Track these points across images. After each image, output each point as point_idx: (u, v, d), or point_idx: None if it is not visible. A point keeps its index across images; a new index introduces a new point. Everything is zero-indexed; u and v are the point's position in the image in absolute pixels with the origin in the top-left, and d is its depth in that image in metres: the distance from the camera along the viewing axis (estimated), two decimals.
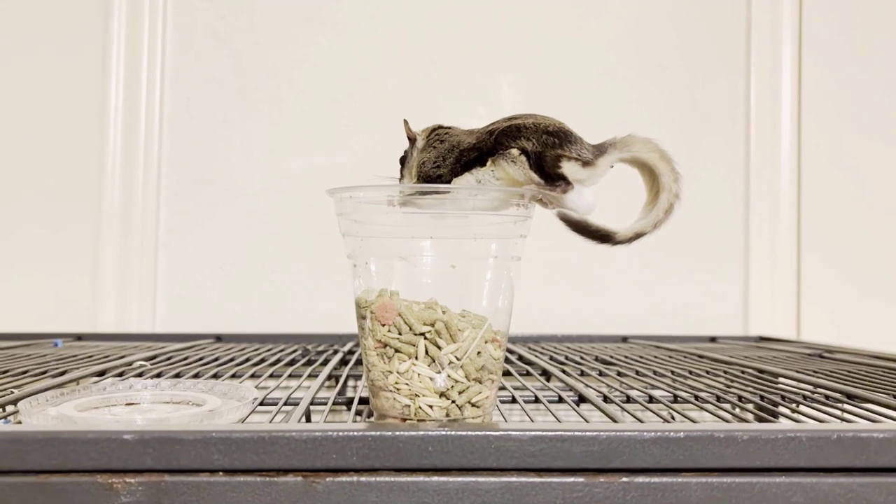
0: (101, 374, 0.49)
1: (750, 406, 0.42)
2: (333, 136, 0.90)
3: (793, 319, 0.91)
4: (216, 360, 0.58)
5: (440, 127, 0.39)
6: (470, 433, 0.29)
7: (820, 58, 0.92)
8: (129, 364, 0.53)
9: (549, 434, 0.29)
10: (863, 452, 0.29)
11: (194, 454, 0.28)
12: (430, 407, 0.33)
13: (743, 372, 0.53)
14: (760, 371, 0.53)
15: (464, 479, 0.28)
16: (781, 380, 0.51)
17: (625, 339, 0.83)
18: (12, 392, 0.40)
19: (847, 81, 0.93)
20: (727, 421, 0.38)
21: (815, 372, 0.53)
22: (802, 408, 0.42)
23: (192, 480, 0.28)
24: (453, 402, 0.33)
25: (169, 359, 0.58)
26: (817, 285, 0.91)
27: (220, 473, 0.28)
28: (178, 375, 0.49)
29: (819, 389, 0.45)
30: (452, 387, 0.33)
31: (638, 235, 0.37)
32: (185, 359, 0.58)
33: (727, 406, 0.42)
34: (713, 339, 0.84)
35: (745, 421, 0.39)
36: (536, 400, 0.43)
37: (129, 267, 0.86)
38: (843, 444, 0.29)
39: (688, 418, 0.37)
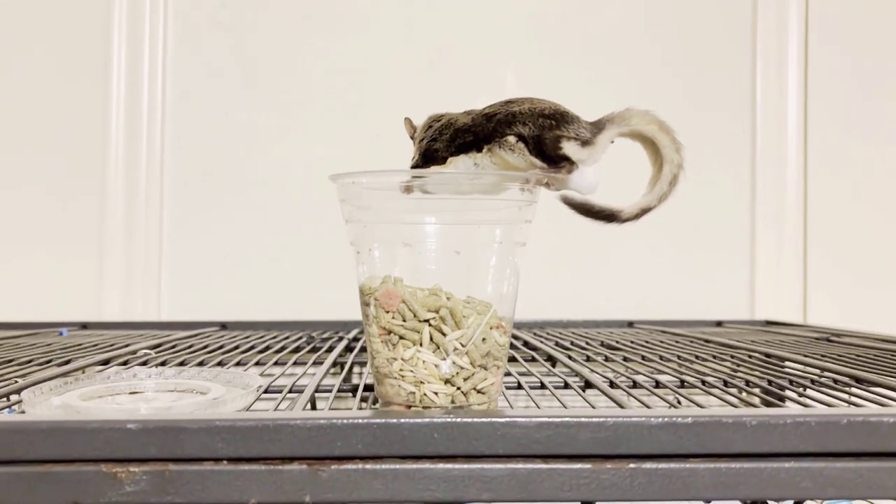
0: (105, 362, 0.49)
1: (757, 390, 0.42)
2: (337, 126, 0.89)
3: (799, 304, 0.91)
4: (221, 347, 0.58)
5: (435, 114, 0.38)
6: (475, 420, 0.28)
7: (826, 47, 0.91)
8: (134, 352, 0.53)
9: (555, 420, 0.29)
10: (872, 437, 0.29)
11: (198, 443, 0.28)
12: (435, 394, 0.33)
13: (750, 356, 0.53)
14: (767, 355, 0.52)
15: (469, 465, 0.28)
16: (788, 364, 0.51)
17: (631, 325, 0.83)
18: (16, 381, 0.40)
19: (854, 71, 0.91)
20: (734, 406, 0.38)
21: (822, 356, 0.52)
22: (810, 392, 0.42)
23: (196, 469, 0.27)
24: (458, 388, 0.33)
25: (173, 347, 0.58)
26: (823, 271, 0.90)
27: (225, 462, 0.28)
28: (182, 363, 0.49)
29: (826, 373, 0.45)
30: (457, 373, 0.33)
31: (644, 211, 0.36)
32: (190, 347, 0.58)
33: (734, 391, 0.42)
34: (719, 324, 0.83)
35: (753, 405, 0.39)
36: (542, 386, 0.43)
37: (134, 255, 0.85)
38: (853, 429, 0.29)
39: (695, 403, 0.37)
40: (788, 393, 0.42)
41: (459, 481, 0.28)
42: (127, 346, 0.57)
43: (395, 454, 0.28)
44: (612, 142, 0.36)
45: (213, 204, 0.87)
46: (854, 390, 0.40)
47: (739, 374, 0.45)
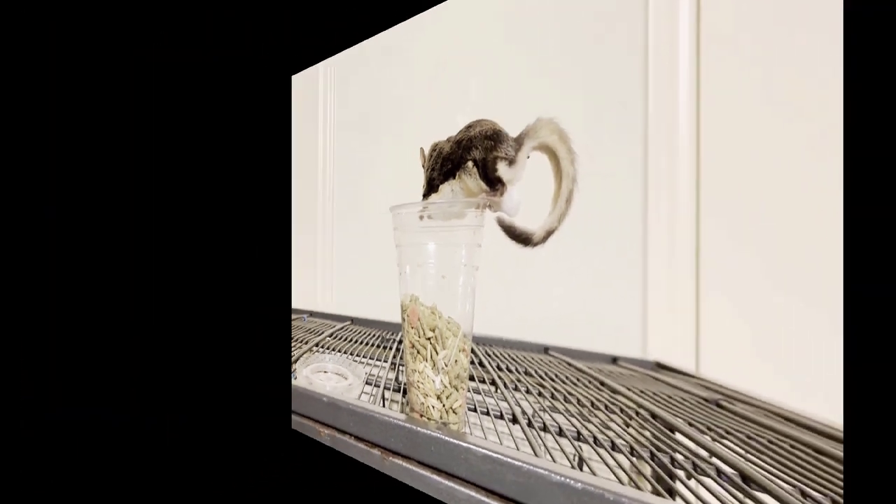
0: (317, 344, 0.96)
1: (646, 467, 0.42)
2: None
3: (692, 337, 0.82)
4: (353, 340, 0.97)
5: (435, 143, 0.39)
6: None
7: (718, 54, 0.83)
8: (327, 336, 1.00)
9: (496, 457, 0.35)
10: None
11: (343, 419, 0.57)
12: (433, 407, 0.40)
13: (637, 413, 0.56)
14: (654, 416, 0.56)
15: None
16: (675, 433, 0.52)
17: (546, 350, 0.86)
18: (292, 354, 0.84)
19: (748, 80, 0.81)
20: (621, 481, 0.39)
21: (709, 428, 0.52)
22: (693, 482, 0.40)
23: (341, 439, 0.54)
24: (443, 405, 0.39)
25: (335, 336, 1.02)
26: (715, 280, 0.83)
27: (351, 437, 0.53)
28: (343, 351, 0.97)
29: (714, 458, 0.44)
30: (443, 391, 0.38)
31: (549, 233, 0.35)
32: (342, 337, 1.01)
33: (621, 457, 0.43)
34: (615, 360, 0.83)
35: (642, 474, 0.41)
36: (487, 413, 0.52)
37: (323, 270, 1.35)
38: None
39: (588, 465, 0.40)
40: (676, 471, 0.42)
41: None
42: (322, 333, 1.06)
43: (416, 458, 0.38)
44: (528, 157, 0.35)
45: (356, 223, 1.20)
46: (740, 489, 0.38)
47: (627, 436, 0.46)
